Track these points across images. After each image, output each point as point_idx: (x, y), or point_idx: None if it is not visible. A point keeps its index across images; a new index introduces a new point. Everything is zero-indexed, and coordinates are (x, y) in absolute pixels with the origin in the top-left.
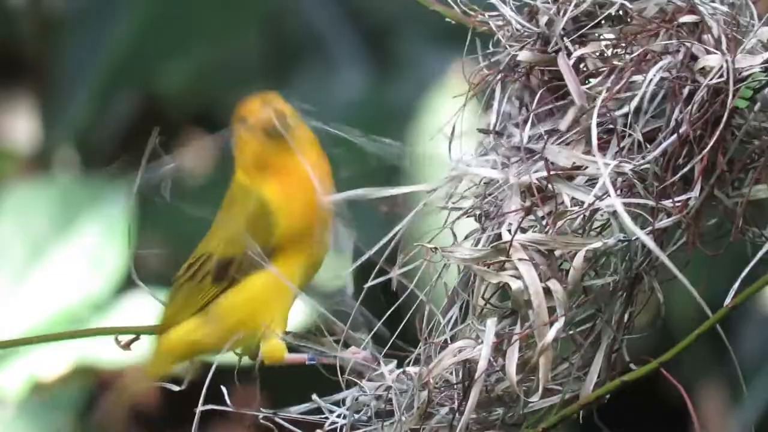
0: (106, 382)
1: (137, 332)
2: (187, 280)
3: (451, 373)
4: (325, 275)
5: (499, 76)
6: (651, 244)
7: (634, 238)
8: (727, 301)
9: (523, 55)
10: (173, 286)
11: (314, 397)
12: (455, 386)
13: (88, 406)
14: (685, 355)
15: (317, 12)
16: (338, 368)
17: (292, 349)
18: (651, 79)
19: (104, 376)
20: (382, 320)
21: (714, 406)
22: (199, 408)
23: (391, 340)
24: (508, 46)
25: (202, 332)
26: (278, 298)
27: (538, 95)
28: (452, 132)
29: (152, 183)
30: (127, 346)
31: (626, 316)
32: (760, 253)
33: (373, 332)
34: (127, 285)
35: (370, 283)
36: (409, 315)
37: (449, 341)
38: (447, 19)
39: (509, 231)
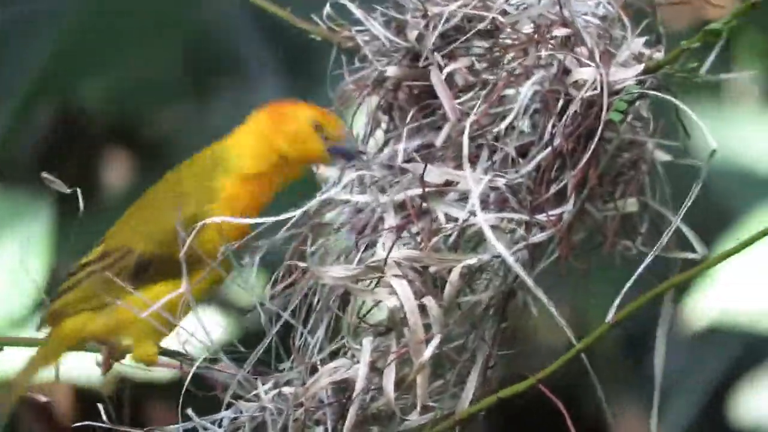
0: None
1: (2, 344)
2: (101, 269)
3: (327, 393)
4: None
5: (366, 92)
6: (513, 263)
7: (510, 252)
8: (609, 317)
9: (392, 71)
10: (80, 269)
11: (189, 412)
12: (330, 405)
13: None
14: (601, 374)
15: (238, 29)
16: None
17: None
18: (525, 94)
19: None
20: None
21: (631, 426)
22: (76, 424)
23: (253, 357)
24: (375, 62)
25: (99, 324)
26: (177, 308)
27: (407, 111)
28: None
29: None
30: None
31: (501, 331)
32: (639, 269)
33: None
34: (43, 301)
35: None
36: (271, 336)
37: (322, 361)
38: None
39: (383, 248)
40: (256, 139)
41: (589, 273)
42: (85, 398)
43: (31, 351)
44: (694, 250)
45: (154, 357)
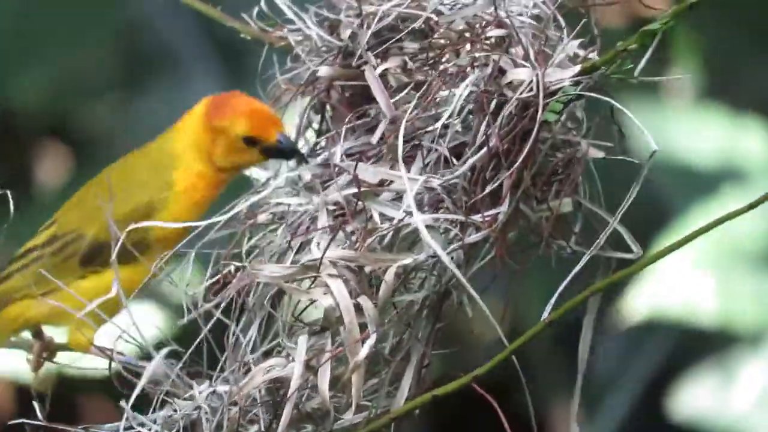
0: None
1: None
2: (50, 254)
3: (261, 391)
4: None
5: (299, 92)
6: (449, 263)
7: (446, 252)
8: (544, 316)
9: (324, 71)
10: (26, 254)
11: (126, 407)
12: (264, 404)
13: None
14: (539, 372)
15: (171, 24)
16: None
17: None
18: (460, 95)
19: None
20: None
21: (566, 421)
22: (9, 422)
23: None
24: (307, 61)
25: (36, 309)
26: (120, 296)
27: (339, 111)
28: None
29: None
30: None
31: (435, 331)
32: (576, 268)
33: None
34: None
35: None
36: (204, 334)
37: (256, 360)
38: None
39: (318, 247)
40: (194, 146)
41: (524, 272)
42: (23, 396)
43: None
44: (628, 249)
45: (88, 343)
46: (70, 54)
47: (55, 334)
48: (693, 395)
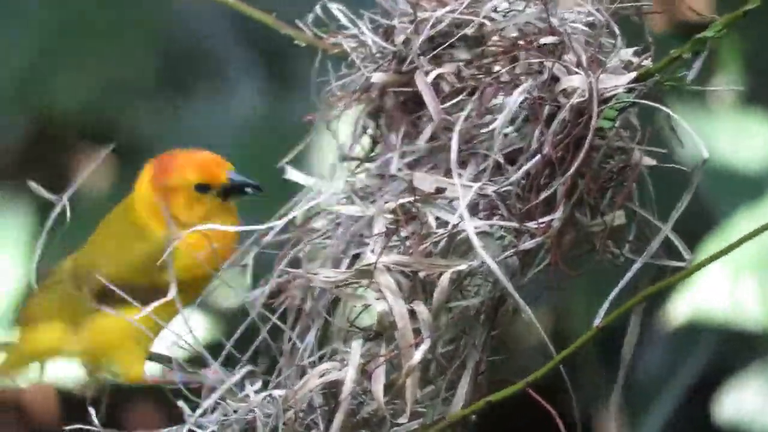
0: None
1: None
2: (69, 285)
3: (316, 396)
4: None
5: (354, 99)
6: (497, 270)
7: (497, 259)
8: (596, 322)
9: (377, 77)
10: (50, 280)
11: (185, 408)
12: (320, 409)
13: None
14: (583, 375)
15: (215, 28)
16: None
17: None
18: (515, 102)
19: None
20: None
21: (613, 428)
22: (68, 428)
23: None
24: (362, 68)
25: (68, 341)
26: (149, 332)
27: (393, 117)
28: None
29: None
30: None
31: (491, 338)
32: (629, 274)
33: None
34: (24, 302)
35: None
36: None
37: (312, 364)
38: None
39: (373, 253)
40: (155, 214)
41: (572, 278)
42: (67, 400)
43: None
44: (675, 254)
45: (141, 375)
46: (112, 59)
47: None
48: (738, 399)
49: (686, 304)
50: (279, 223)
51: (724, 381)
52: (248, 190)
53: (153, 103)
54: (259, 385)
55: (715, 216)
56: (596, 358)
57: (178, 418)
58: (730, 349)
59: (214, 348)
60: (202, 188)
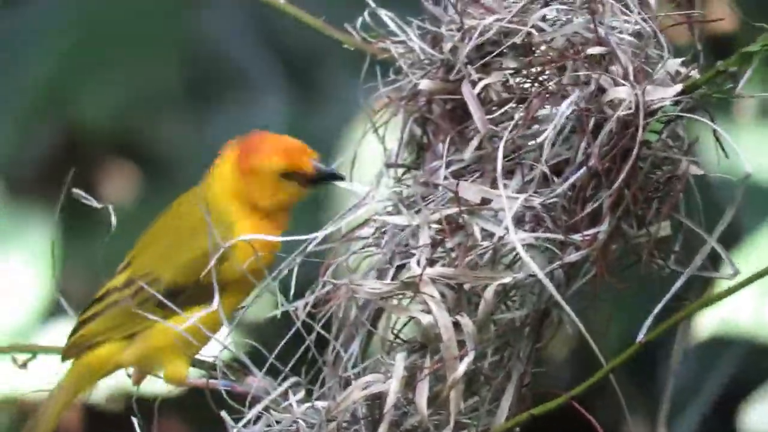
0: (29, 411)
1: (33, 351)
2: (128, 297)
3: (359, 408)
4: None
5: (401, 106)
6: (548, 283)
7: (545, 271)
8: (640, 336)
9: (425, 84)
10: (103, 297)
11: (227, 418)
12: (363, 420)
13: None
14: (611, 387)
15: (239, 42)
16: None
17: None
18: (563, 113)
19: (27, 406)
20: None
21: None
22: None
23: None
24: (410, 74)
25: (127, 354)
26: (203, 335)
27: (440, 125)
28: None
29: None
30: (24, 365)
31: (535, 350)
32: (672, 289)
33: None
34: (51, 314)
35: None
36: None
37: (356, 375)
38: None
39: (418, 264)
40: (237, 194)
41: (622, 291)
42: (92, 414)
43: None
44: (719, 268)
45: (184, 377)
46: (138, 71)
47: None
48: (763, 411)
49: (712, 318)
50: (322, 233)
51: (750, 394)
52: (335, 180)
53: (179, 115)
54: (302, 395)
55: (738, 229)
56: (625, 370)
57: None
58: (756, 362)
59: (252, 357)
60: (288, 176)
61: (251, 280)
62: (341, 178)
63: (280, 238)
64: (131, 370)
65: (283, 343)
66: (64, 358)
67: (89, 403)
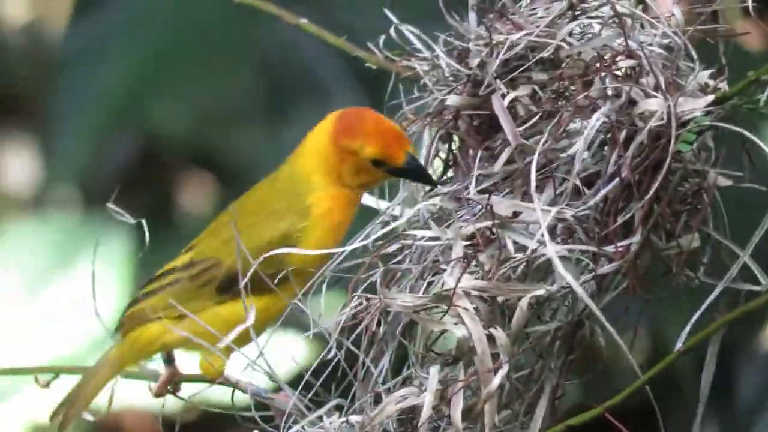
0: (105, 422)
1: (56, 371)
2: (188, 278)
3: (393, 422)
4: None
5: (427, 122)
6: (583, 295)
7: (580, 282)
8: (678, 346)
9: (452, 100)
10: (165, 274)
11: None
12: None
13: None
14: (680, 398)
15: (313, 50)
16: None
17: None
18: (594, 126)
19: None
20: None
21: None
22: None
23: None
24: (435, 91)
25: (173, 334)
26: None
27: (466, 141)
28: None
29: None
30: (46, 385)
31: (568, 362)
32: (709, 299)
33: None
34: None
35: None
36: (331, 364)
37: (388, 390)
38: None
39: (451, 277)
40: (323, 165)
41: (655, 301)
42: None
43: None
44: (756, 279)
45: (220, 370)
46: (213, 81)
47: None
48: None
49: None
50: (352, 247)
51: None
52: (421, 179)
53: (254, 123)
54: (336, 414)
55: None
56: (689, 382)
57: None
58: None
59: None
60: (378, 163)
61: (313, 271)
62: (428, 179)
63: (303, 251)
64: (152, 385)
65: (317, 362)
66: (117, 331)
67: (163, 414)
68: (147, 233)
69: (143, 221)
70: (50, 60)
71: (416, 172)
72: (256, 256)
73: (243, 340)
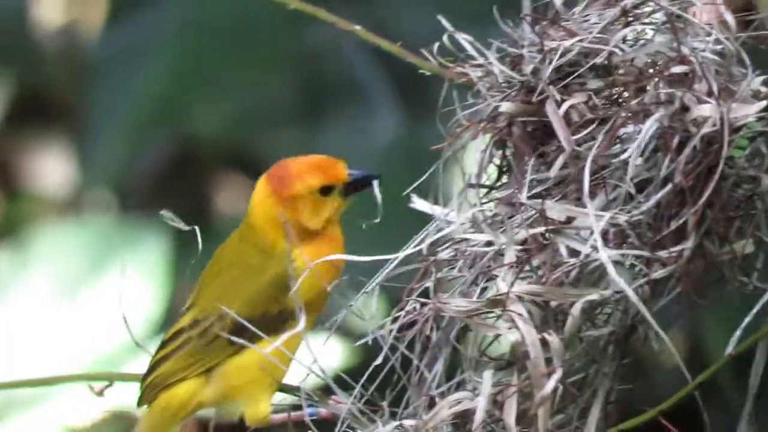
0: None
1: (110, 379)
2: (196, 336)
3: (446, 427)
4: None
5: (480, 128)
6: (636, 300)
7: (631, 288)
8: (729, 349)
9: (506, 106)
10: (172, 338)
11: None
12: None
13: None
14: (721, 402)
15: (352, 54)
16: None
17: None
18: (647, 131)
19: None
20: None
21: None
22: None
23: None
24: (488, 97)
25: (206, 393)
26: (277, 365)
27: (520, 147)
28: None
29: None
30: (100, 393)
31: (621, 366)
32: (760, 302)
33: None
34: (163, 327)
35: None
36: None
37: (442, 394)
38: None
39: (504, 282)
40: (276, 224)
41: (708, 305)
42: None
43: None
44: None
45: (267, 416)
46: (252, 84)
47: None
48: None
49: None
50: (403, 254)
51: None
52: (371, 182)
53: (291, 127)
54: (387, 415)
55: None
56: (734, 384)
57: None
58: None
59: (352, 374)
60: (326, 190)
61: (320, 302)
62: (376, 177)
63: (359, 258)
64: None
65: (371, 369)
66: (140, 404)
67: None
68: (200, 241)
69: (196, 228)
70: (86, 63)
71: (364, 177)
72: (257, 300)
73: (274, 385)
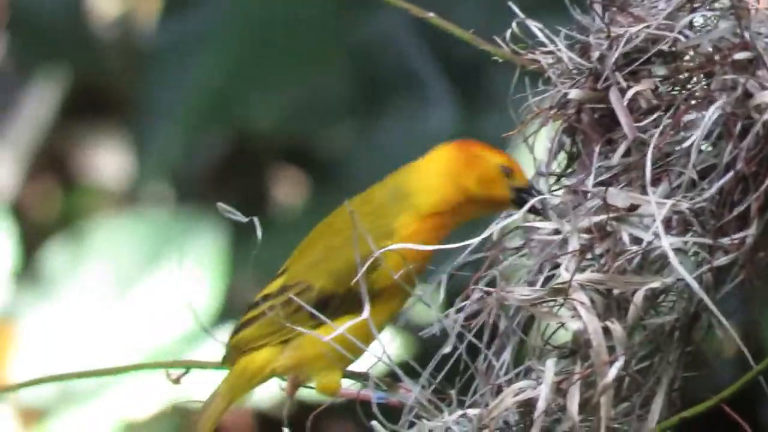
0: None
1: (187, 366)
2: (280, 306)
3: (511, 415)
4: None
5: (550, 115)
6: (697, 287)
7: (694, 275)
8: None
9: (574, 93)
10: (261, 302)
11: (378, 426)
12: (515, 427)
13: None
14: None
15: (408, 46)
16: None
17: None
18: (710, 118)
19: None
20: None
21: None
22: None
23: (435, 381)
24: (558, 84)
25: (281, 361)
26: (355, 344)
27: (589, 134)
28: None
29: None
30: (177, 381)
31: (685, 354)
32: None
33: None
34: (220, 319)
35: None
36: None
37: (508, 382)
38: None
39: (567, 271)
40: (443, 177)
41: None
42: (264, 422)
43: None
44: None
45: (337, 388)
46: (306, 77)
47: None
48: None
49: None
50: (473, 242)
51: None
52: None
53: (346, 121)
54: (454, 403)
55: None
56: None
57: None
58: None
59: (402, 367)
60: (507, 172)
61: (404, 289)
62: (537, 212)
63: (432, 247)
64: (284, 381)
65: (439, 357)
66: (224, 363)
67: (258, 409)
68: (259, 232)
69: (255, 219)
70: (142, 55)
71: (532, 194)
72: (343, 277)
73: (346, 359)
